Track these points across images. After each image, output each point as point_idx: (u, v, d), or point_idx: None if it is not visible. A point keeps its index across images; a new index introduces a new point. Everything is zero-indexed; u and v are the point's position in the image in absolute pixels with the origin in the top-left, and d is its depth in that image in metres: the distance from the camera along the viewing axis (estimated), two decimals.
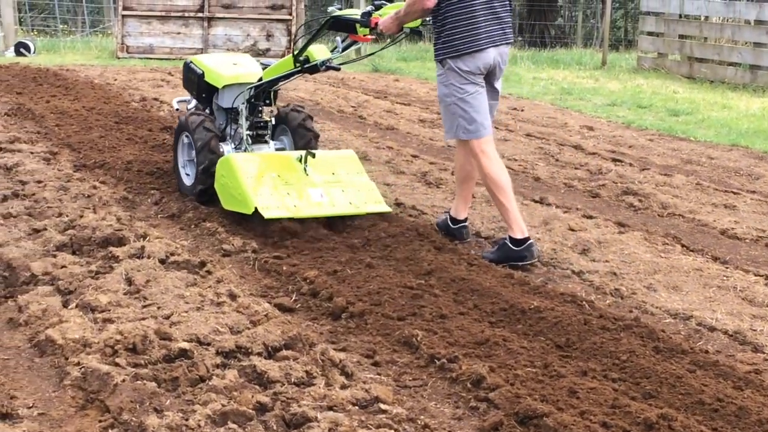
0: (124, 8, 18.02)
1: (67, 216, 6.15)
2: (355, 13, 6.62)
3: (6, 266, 5.26)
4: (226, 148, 7.06)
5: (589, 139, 10.25)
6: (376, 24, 6.30)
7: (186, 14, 17.84)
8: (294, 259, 5.66)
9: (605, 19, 19.44)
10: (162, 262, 5.30)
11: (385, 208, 6.55)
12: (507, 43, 6.15)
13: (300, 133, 7.15)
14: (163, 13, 17.78)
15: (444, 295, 5.14)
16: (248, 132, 7.09)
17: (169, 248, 5.50)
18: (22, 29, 22.56)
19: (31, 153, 8.08)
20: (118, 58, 17.40)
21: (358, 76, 15.56)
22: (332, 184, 6.49)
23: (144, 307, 4.67)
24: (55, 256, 5.38)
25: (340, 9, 6.85)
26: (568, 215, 6.96)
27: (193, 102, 7.58)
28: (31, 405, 3.85)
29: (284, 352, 4.23)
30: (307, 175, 6.48)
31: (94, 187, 6.98)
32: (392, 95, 13.25)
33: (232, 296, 4.86)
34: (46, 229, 5.90)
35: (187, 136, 7.05)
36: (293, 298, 5.10)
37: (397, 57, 18.98)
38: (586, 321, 4.78)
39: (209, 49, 17.79)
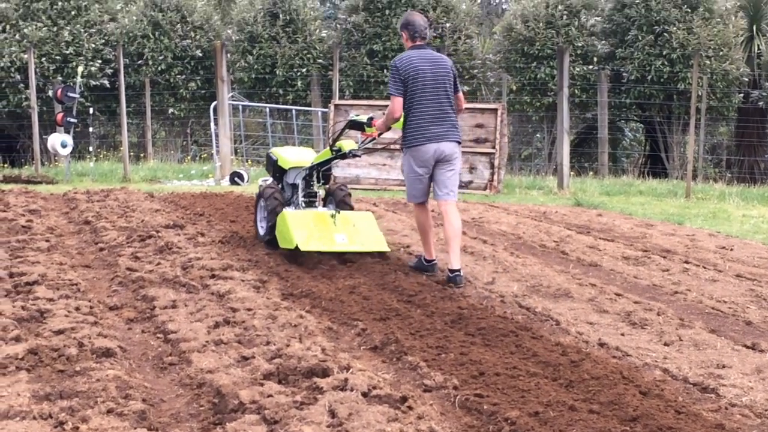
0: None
1: (274, 345, 6.33)
2: (363, 118, 9.47)
3: (216, 393, 5.43)
4: (290, 210, 9.82)
5: None
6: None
7: (392, 147, 18.34)
8: (495, 397, 5.59)
9: None
10: (364, 395, 5.34)
11: (385, 248, 9.64)
12: (448, 141, 8.88)
13: (341, 205, 10.09)
14: (370, 146, 18.34)
15: None
16: (303, 199, 10.25)
17: (371, 381, 5.54)
18: (237, 159, 23.76)
19: (242, 281, 8.40)
20: None
21: (560, 210, 15.50)
22: (352, 232, 9.55)
23: None
24: (262, 385, 5.51)
25: (357, 115, 9.75)
26: None
27: (270, 179, 10.74)
28: None
29: None
30: (335, 225, 9.53)
31: (301, 317, 7.17)
32: (595, 230, 13.09)
33: None
34: (254, 357, 6.08)
35: (262, 202, 10.14)
36: None
37: (600, 191, 18.82)
38: None
39: None
